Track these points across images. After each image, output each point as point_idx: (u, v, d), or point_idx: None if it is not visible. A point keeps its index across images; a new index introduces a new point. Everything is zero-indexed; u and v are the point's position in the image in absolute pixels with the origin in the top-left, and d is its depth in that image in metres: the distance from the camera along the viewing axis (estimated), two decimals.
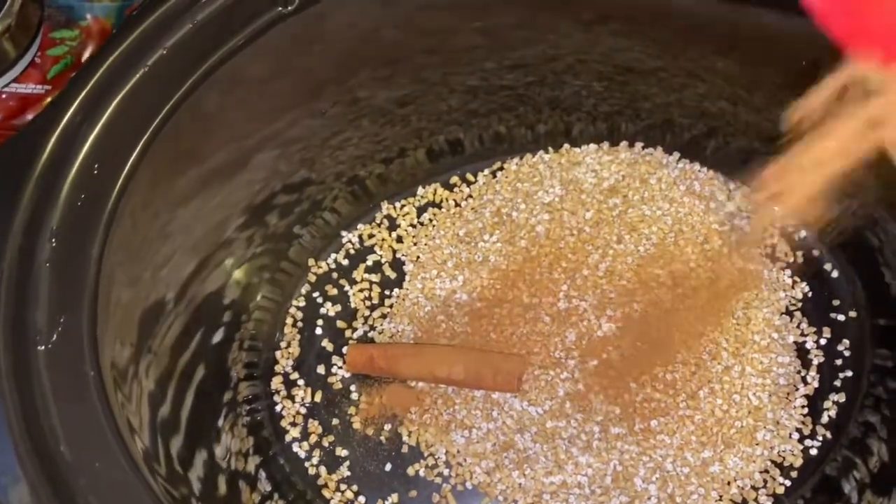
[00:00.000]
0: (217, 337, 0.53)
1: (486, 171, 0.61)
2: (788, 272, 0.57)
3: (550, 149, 0.61)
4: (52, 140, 0.40)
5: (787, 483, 0.51)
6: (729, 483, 0.51)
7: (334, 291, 0.58)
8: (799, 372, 0.54)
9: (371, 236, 0.60)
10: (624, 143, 0.61)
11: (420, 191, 0.61)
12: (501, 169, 0.61)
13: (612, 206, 0.57)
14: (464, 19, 0.52)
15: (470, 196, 0.61)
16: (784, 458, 0.52)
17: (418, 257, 0.59)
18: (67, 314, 0.37)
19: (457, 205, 0.61)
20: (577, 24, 0.54)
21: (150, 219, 0.43)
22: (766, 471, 0.51)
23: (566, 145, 0.61)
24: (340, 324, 0.57)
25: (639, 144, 0.61)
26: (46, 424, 0.34)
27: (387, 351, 0.54)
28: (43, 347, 0.36)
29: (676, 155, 0.60)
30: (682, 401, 0.51)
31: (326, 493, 0.52)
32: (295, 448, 0.54)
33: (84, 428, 0.34)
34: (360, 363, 0.54)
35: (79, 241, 0.38)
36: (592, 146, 0.61)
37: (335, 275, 0.59)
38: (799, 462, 0.52)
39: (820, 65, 0.51)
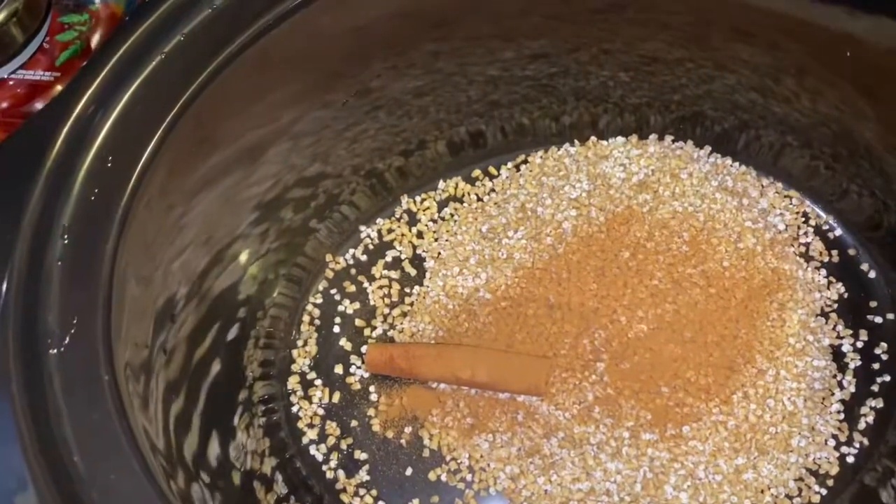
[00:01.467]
0: (232, 334, 0.51)
1: (510, 165, 0.59)
2: (824, 272, 0.55)
3: (576, 141, 0.59)
4: (64, 131, 0.38)
5: (823, 492, 0.49)
6: (762, 491, 0.49)
7: (352, 288, 0.57)
8: (835, 376, 0.52)
9: (390, 231, 0.58)
10: (653, 136, 0.58)
11: (441, 184, 0.59)
12: (525, 162, 0.59)
13: (642, 201, 0.55)
14: (464, 8, 0.50)
15: (493, 190, 0.59)
16: (819, 465, 0.50)
17: (439, 253, 0.57)
18: (80, 315, 0.35)
19: (479, 199, 0.59)
20: (591, 12, 0.52)
21: (164, 213, 0.41)
22: (801, 479, 0.49)
23: (593, 138, 0.59)
24: (359, 322, 0.56)
25: (668, 138, 0.58)
26: (59, 433, 0.32)
27: (408, 351, 0.52)
28: (55, 351, 0.34)
29: (707, 149, 0.58)
30: (714, 406, 0.49)
31: (345, 498, 0.51)
32: (312, 450, 0.52)
33: (98, 437, 0.32)
34: (379, 363, 0.53)
35: (92, 238, 0.36)
36: (620, 139, 0.59)
37: (353, 271, 0.57)
38: (835, 470, 0.50)
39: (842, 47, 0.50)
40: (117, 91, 0.38)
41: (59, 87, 0.60)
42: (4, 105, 0.59)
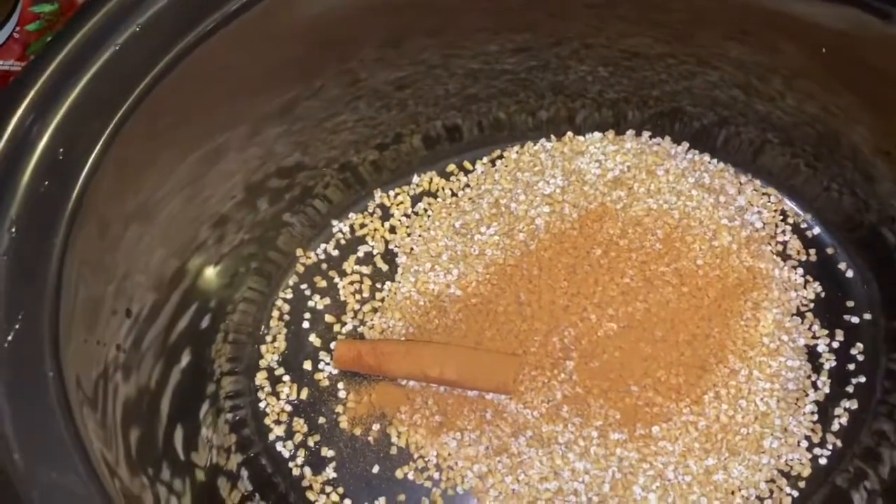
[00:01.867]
0: (200, 327, 0.51)
1: (485, 160, 0.59)
2: (801, 271, 0.54)
3: (553, 137, 0.58)
4: (13, 122, 0.37)
5: (795, 493, 0.49)
6: (733, 493, 0.48)
7: (323, 283, 0.56)
8: (809, 377, 0.51)
9: (363, 226, 0.57)
10: (630, 132, 0.58)
11: (415, 179, 0.58)
12: (501, 157, 0.58)
13: (617, 198, 0.54)
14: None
15: (467, 185, 0.58)
16: (792, 467, 0.49)
17: (412, 249, 0.56)
18: (26, 311, 0.34)
19: (453, 194, 0.58)
20: (585, 7, 0.51)
21: (121, 207, 0.40)
22: (773, 480, 0.49)
23: (569, 133, 0.58)
24: (329, 318, 0.55)
25: (646, 134, 0.58)
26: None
27: (376, 348, 0.51)
28: None
29: (685, 145, 0.57)
30: (685, 406, 0.49)
31: (311, 496, 0.50)
32: (279, 447, 0.52)
33: (41, 435, 0.32)
34: (348, 360, 0.52)
35: (41, 232, 0.35)
36: (597, 135, 0.58)
37: (324, 266, 0.56)
38: (807, 472, 0.49)
39: (841, 52, 0.49)
40: (70, 82, 0.37)
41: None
42: None
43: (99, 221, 0.38)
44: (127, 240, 0.41)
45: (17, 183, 0.36)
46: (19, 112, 0.37)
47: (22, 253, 0.35)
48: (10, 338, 0.33)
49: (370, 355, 0.51)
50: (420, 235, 0.56)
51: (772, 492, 0.49)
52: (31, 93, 0.37)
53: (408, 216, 0.57)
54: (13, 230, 0.35)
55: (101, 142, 0.37)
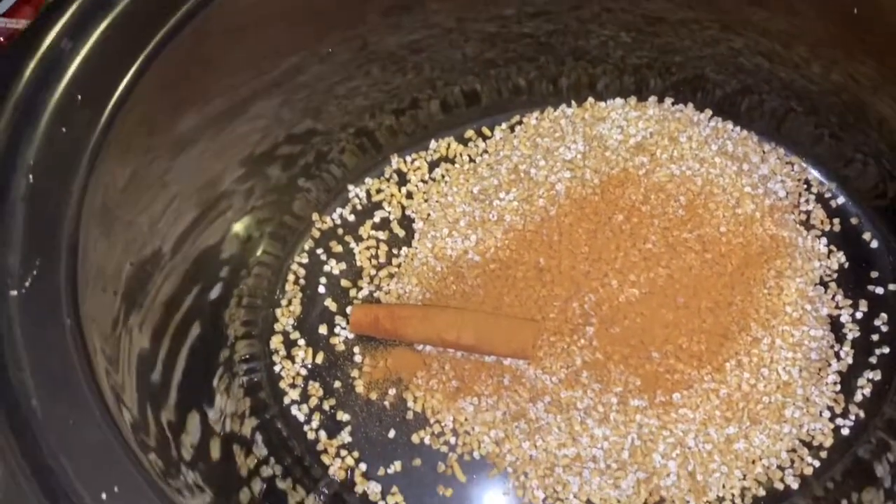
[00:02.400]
0: (214, 293, 0.50)
1: (504, 125, 0.58)
2: (824, 240, 0.53)
3: (574, 103, 0.57)
4: (31, 66, 0.36)
5: (816, 464, 0.48)
6: (754, 462, 0.48)
7: (339, 248, 0.55)
8: (832, 347, 0.50)
9: (379, 191, 0.57)
10: (652, 99, 0.57)
11: (432, 144, 0.58)
12: (520, 123, 0.58)
13: (639, 164, 0.53)
14: None
15: (486, 151, 0.57)
16: (813, 437, 0.48)
17: (429, 215, 0.55)
18: (43, 258, 0.33)
19: (471, 160, 0.57)
20: None
21: (142, 160, 0.40)
22: (794, 450, 0.48)
23: (590, 99, 0.57)
24: (345, 283, 0.54)
25: (668, 100, 0.57)
26: (16, 376, 0.31)
27: (393, 312, 0.51)
28: (15, 293, 0.32)
29: (708, 112, 0.56)
30: (706, 373, 0.48)
31: (325, 459, 0.50)
32: (294, 411, 0.51)
33: (58, 382, 0.31)
34: (364, 324, 0.51)
35: (58, 179, 0.35)
36: (619, 101, 0.57)
37: (340, 231, 0.56)
38: (829, 442, 0.48)
39: (868, 17, 0.48)
40: (89, 25, 0.37)
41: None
42: None
43: (117, 169, 0.37)
44: (144, 191, 0.40)
45: (35, 128, 0.35)
46: (36, 57, 0.36)
47: (40, 199, 0.34)
48: (27, 284, 0.33)
49: (387, 319, 0.50)
50: (437, 201, 0.55)
51: (793, 461, 0.48)
52: (47, 39, 0.37)
53: (425, 182, 0.57)
54: (31, 176, 0.34)
55: (118, 90, 0.37)
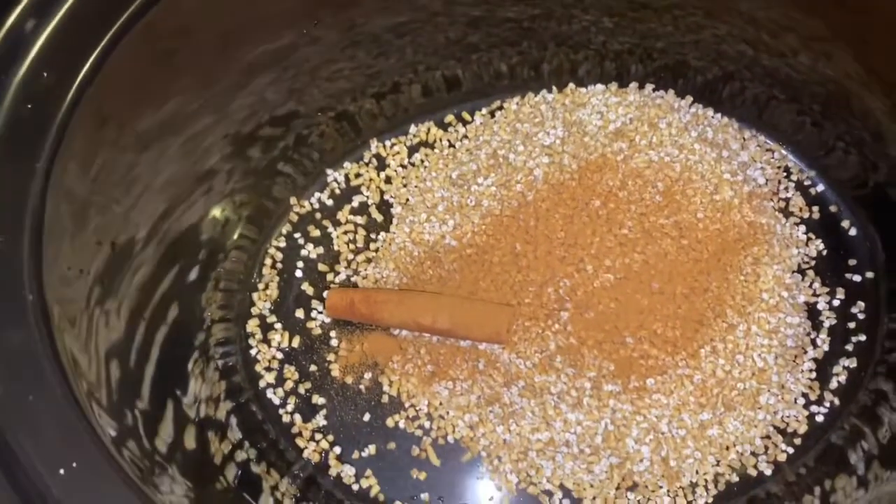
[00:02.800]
0: (192, 276, 0.50)
1: (484, 111, 0.57)
2: (803, 228, 0.53)
3: (554, 88, 0.57)
4: None
5: (790, 450, 0.48)
6: (728, 448, 0.48)
7: (317, 233, 0.55)
8: (808, 334, 0.50)
9: (358, 176, 0.56)
10: (633, 85, 0.56)
11: (412, 129, 0.57)
12: (500, 108, 0.57)
13: (617, 150, 0.53)
14: None
15: (465, 136, 0.57)
16: (788, 423, 0.48)
17: (407, 200, 0.55)
18: (7, 233, 0.33)
19: (451, 145, 0.57)
20: None
21: (115, 138, 0.39)
22: (768, 436, 0.48)
23: (571, 85, 0.57)
24: (322, 267, 0.54)
25: (649, 86, 0.56)
26: None
27: (369, 296, 0.51)
28: None
29: (689, 99, 0.56)
30: (681, 359, 0.48)
31: (300, 443, 0.50)
32: (269, 394, 0.51)
33: (17, 357, 0.31)
34: (340, 308, 0.51)
35: (23, 156, 0.34)
36: (599, 87, 0.57)
37: (318, 215, 0.56)
38: (803, 429, 0.48)
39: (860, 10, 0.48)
40: (54, 3, 0.36)
41: None
42: None
43: (88, 148, 0.37)
44: (120, 171, 0.40)
45: (1, 104, 0.35)
46: (1, 33, 0.36)
47: (5, 176, 0.34)
48: None
49: (363, 304, 0.50)
50: (416, 186, 0.55)
51: (767, 448, 0.48)
52: (12, 16, 0.36)
53: (404, 167, 0.56)
54: None
55: (86, 66, 0.36)
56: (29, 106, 0.35)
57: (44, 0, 0.36)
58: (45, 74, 0.36)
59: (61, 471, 0.29)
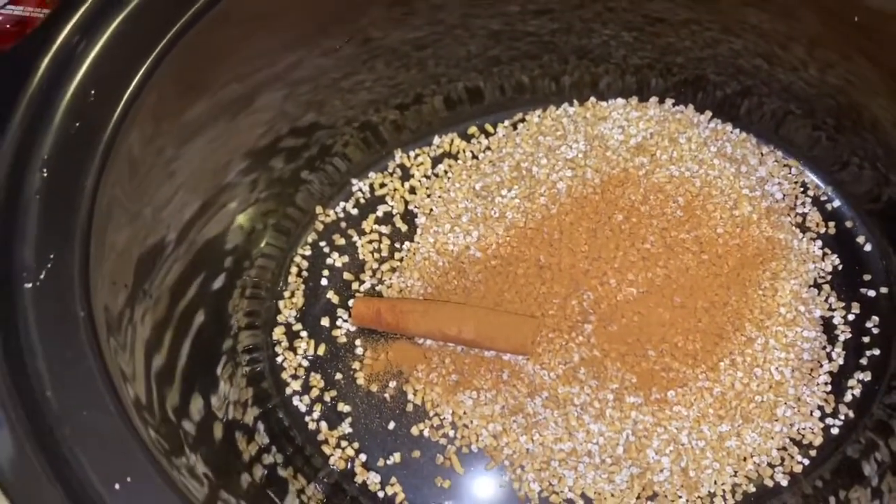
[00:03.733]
0: (218, 283, 0.51)
1: (507, 123, 0.58)
2: (819, 243, 0.54)
3: (575, 101, 0.58)
4: (45, 61, 0.36)
5: (806, 462, 0.49)
6: (745, 459, 0.49)
7: (342, 241, 0.56)
8: (824, 348, 0.52)
9: (382, 185, 0.57)
10: (653, 99, 0.57)
11: (436, 140, 0.58)
12: (523, 121, 0.58)
13: (639, 164, 0.54)
14: None
15: (488, 148, 0.58)
16: (804, 436, 0.50)
17: (431, 210, 0.56)
18: (57, 251, 0.34)
19: (474, 157, 0.58)
20: None
21: (151, 153, 0.40)
22: (785, 448, 0.49)
23: (592, 98, 0.58)
24: (347, 275, 0.55)
25: (669, 101, 0.57)
26: (32, 367, 0.32)
27: (395, 306, 0.51)
28: (30, 285, 0.33)
29: (708, 114, 0.57)
30: (701, 372, 0.49)
31: (326, 450, 0.51)
32: (295, 401, 0.52)
33: (72, 372, 0.32)
34: (366, 317, 0.52)
35: (72, 173, 0.35)
36: (620, 101, 0.57)
37: (343, 224, 0.56)
38: (819, 441, 0.50)
39: (867, 22, 0.49)
40: (103, 21, 0.37)
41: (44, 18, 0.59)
42: None
43: (126, 163, 0.38)
44: (151, 182, 0.40)
45: (49, 124, 0.36)
46: (50, 53, 0.36)
47: (53, 193, 0.35)
48: (42, 276, 0.33)
49: (388, 313, 0.51)
50: (440, 197, 0.56)
51: (783, 459, 0.49)
52: (61, 36, 0.37)
53: (428, 177, 0.57)
54: (45, 171, 0.35)
55: (132, 86, 0.37)
56: (77, 124, 0.36)
57: (90, 20, 0.37)
58: (93, 93, 0.36)
59: (116, 485, 0.30)
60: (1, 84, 0.36)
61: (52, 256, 0.34)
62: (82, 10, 0.37)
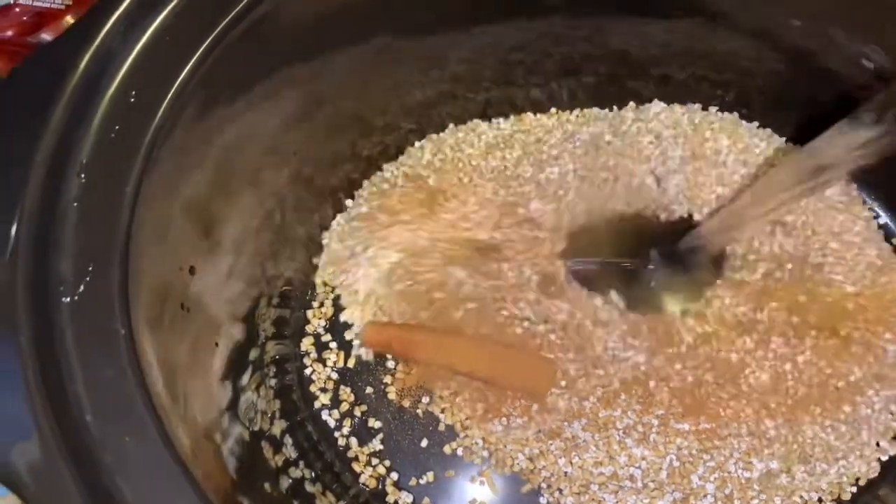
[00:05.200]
0: (253, 287, 0.48)
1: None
2: None
3: None
4: (84, 62, 0.34)
5: (854, 490, 0.47)
6: (793, 492, 0.47)
7: None
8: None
9: None
10: None
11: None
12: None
13: None
14: None
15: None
16: (859, 478, 0.47)
17: None
18: (97, 262, 0.32)
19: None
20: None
21: (193, 158, 0.38)
22: (839, 483, 0.47)
23: None
24: None
25: None
26: (71, 390, 0.30)
27: (405, 336, 0.49)
28: (68, 300, 0.31)
29: None
30: (767, 416, 0.47)
31: (356, 467, 0.49)
32: (325, 416, 0.50)
33: (112, 396, 0.30)
34: (377, 343, 0.50)
35: (111, 180, 0.33)
36: None
37: None
38: (874, 476, 0.48)
39: None
40: (144, 21, 0.35)
41: (69, 18, 0.57)
42: (9, 33, 0.56)
43: (169, 174, 0.35)
44: (191, 195, 0.38)
45: (88, 127, 0.33)
46: (90, 52, 0.34)
47: (92, 200, 0.33)
48: (80, 289, 0.31)
49: (398, 342, 0.49)
50: None
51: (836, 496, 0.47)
52: (100, 36, 0.35)
53: None
54: (83, 176, 0.33)
55: (174, 88, 0.35)
56: (117, 127, 0.34)
57: (130, 23, 0.35)
58: (133, 95, 0.34)
59: None
60: (39, 82, 0.33)
61: (90, 269, 0.31)
62: (122, 8, 0.35)
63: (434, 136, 0.56)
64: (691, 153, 0.53)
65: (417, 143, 0.55)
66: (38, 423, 0.29)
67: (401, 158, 0.55)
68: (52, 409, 0.29)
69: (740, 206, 0.50)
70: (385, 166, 0.55)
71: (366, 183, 0.54)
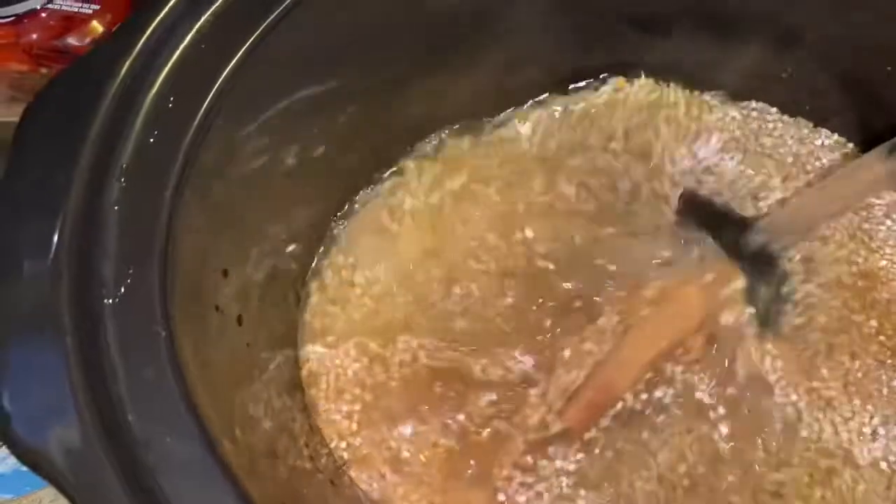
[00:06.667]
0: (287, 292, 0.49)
1: None
2: None
3: None
4: (125, 68, 0.35)
5: None
6: None
7: None
8: None
9: None
10: None
11: None
12: None
13: None
14: None
15: None
16: None
17: None
18: (136, 265, 0.32)
19: None
20: None
21: (229, 164, 0.39)
22: None
23: None
24: None
25: None
26: (114, 391, 0.30)
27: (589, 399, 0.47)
28: (109, 301, 0.32)
29: None
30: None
31: None
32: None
33: (154, 397, 0.30)
34: (587, 420, 0.47)
35: (151, 184, 0.34)
36: None
37: None
38: None
39: None
40: (182, 27, 0.36)
41: (95, 22, 0.57)
42: (34, 37, 0.56)
43: (207, 177, 0.36)
44: (228, 199, 0.39)
45: (129, 132, 0.34)
46: (132, 55, 0.35)
47: (132, 204, 0.33)
48: (121, 291, 0.32)
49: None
50: None
51: None
52: (140, 43, 0.36)
53: None
54: (123, 180, 0.34)
55: (211, 93, 0.36)
56: (156, 132, 0.34)
57: (168, 28, 0.36)
58: (172, 100, 0.35)
59: None
60: (80, 89, 0.34)
61: (130, 271, 0.32)
62: (163, 13, 0.35)
63: None
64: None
65: None
66: (83, 421, 0.30)
67: None
68: (96, 409, 0.30)
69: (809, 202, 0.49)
70: None
71: None
